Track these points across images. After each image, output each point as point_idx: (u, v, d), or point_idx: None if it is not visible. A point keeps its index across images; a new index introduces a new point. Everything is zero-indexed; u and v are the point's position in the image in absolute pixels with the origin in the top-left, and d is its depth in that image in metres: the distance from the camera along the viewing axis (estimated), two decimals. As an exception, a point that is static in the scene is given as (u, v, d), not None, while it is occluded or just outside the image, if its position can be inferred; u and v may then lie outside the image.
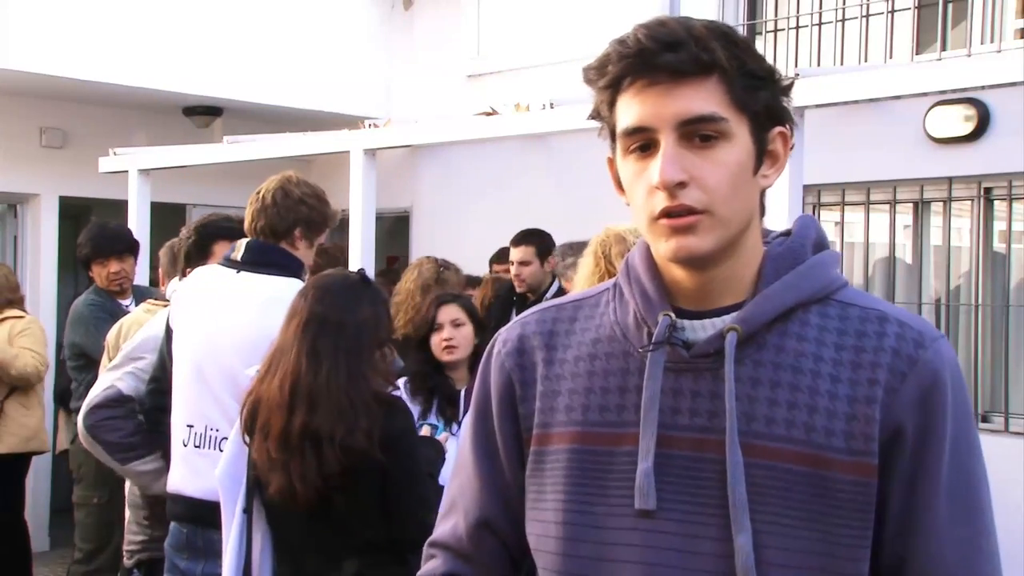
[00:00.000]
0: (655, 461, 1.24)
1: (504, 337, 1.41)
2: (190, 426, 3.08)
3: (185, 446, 3.09)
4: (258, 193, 3.22)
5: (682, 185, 1.19)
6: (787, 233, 1.35)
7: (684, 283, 1.28)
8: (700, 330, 1.27)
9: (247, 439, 2.66)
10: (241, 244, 3.15)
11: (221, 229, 3.65)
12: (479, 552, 1.42)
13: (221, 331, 3.04)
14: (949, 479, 1.24)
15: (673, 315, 1.27)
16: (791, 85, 1.30)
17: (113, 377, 3.47)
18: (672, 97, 1.20)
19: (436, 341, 3.63)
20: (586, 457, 1.29)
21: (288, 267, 3.10)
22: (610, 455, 1.28)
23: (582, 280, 3.21)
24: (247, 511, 2.66)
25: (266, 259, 3.10)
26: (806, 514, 1.21)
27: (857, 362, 1.24)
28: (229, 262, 3.14)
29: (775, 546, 1.21)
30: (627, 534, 1.26)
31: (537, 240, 5.40)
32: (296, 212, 3.17)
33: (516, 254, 5.38)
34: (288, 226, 3.16)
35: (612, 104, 1.25)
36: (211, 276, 3.19)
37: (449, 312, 3.65)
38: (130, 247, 5.17)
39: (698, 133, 1.20)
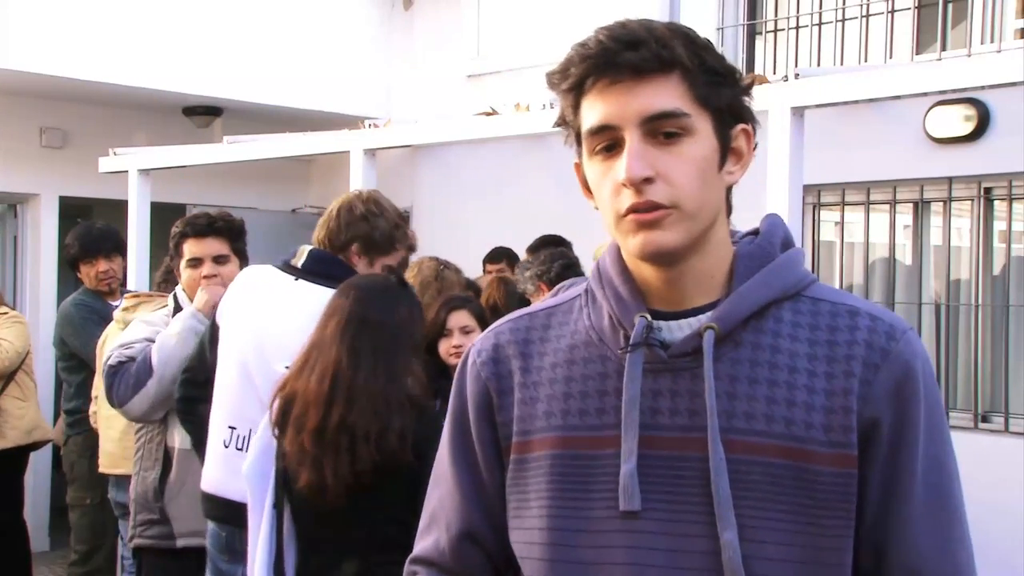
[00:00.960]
0: (638, 462, 1.25)
1: (478, 347, 1.41)
2: (232, 428, 3.06)
3: (226, 447, 3.07)
4: (334, 203, 3.22)
5: (648, 181, 1.21)
6: (755, 232, 1.36)
7: (655, 282, 1.29)
8: (676, 330, 1.28)
9: (276, 433, 2.66)
10: (304, 250, 3.12)
11: (187, 227, 3.63)
12: (463, 565, 1.41)
13: (270, 336, 3.00)
14: (924, 468, 1.26)
15: (649, 316, 1.28)
16: (751, 84, 1.33)
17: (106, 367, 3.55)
18: (635, 95, 1.21)
19: (445, 347, 3.64)
20: (568, 462, 1.29)
21: (344, 280, 3.02)
22: (593, 459, 1.28)
23: None
24: (277, 506, 2.66)
25: (323, 269, 3.06)
26: (790, 507, 1.22)
27: (831, 356, 1.26)
28: (288, 267, 3.11)
29: (761, 540, 1.22)
30: (614, 536, 1.26)
31: (553, 247, 5.41)
32: (355, 228, 3.13)
33: None
34: (345, 241, 3.13)
35: (576, 107, 1.27)
36: (266, 278, 3.14)
37: (459, 318, 3.64)
38: (117, 246, 5.18)
39: (662, 129, 1.22)
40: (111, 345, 3.70)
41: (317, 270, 3.05)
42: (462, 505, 1.40)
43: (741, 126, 1.29)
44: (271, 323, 3.01)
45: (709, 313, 1.27)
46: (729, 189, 1.31)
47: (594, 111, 1.24)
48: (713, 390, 1.23)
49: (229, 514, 3.02)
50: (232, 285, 3.26)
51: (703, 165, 1.23)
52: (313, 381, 2.61)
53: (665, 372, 1.27)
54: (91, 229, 5.19)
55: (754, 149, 1.31)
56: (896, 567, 1.26)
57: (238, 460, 2.98)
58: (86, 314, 4.87)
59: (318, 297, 2.88)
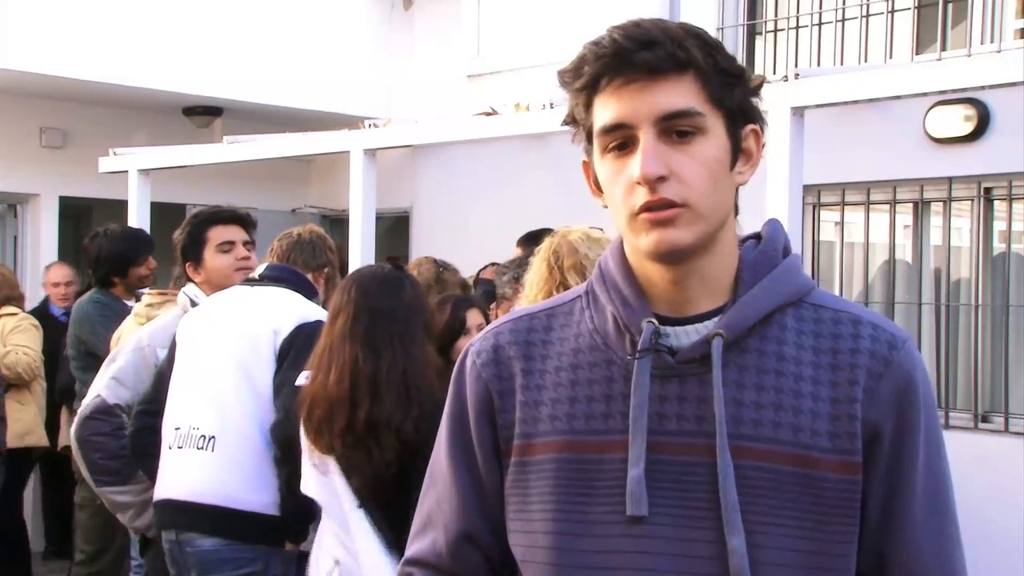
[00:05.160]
0: (645, 467, 1.25)
1: (478, 348, 1.40)
2: (177, 428, 3.11)
3: (170, 449, 3.11)
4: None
5: (662, 179, 1.21)
6: (756, 237, 1.37)
7: (661, 284, 1.29)
8: (683, 336, 1.28)
9: (312, 438, 2.64)
10: (261, 266, 3.32)
11: (208, 216, 3.67)
12: (461, 567, 1.39)
13: (225, 334, 3.12)
14: (924, 474, 1.28)
15: (656, 322, 1.28)
16: (760, 85, 1.32)
17: (100, 385, 3.50)
18: (650, 94, 1.21)
19: (462, 344, 3.64)
20: (573, 466, 1.29)
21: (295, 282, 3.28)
22: (598, 463, 1.28)
23: (534, 287, 2.85)
24: (362, 506, 2.63)
25: (279, 275, 3.29)
26: (796, 513, 1.23)
27: (835, 364, 1.27)
28: (247, 281, 3.30)
29: (768, 546, 1.22)
30: (620, 541, 1.25)
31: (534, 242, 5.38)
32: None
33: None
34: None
35: (589, 105, 1.26)
36: (222, 293, 3.31)
37: (476, 316, 3.66)
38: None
39: (675, 128, 1.22)
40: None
41: (271, 275, 3.27)
42: (460, 506, 1.38)
43: (751, 127, 1.29)
44: (226, 322, 3.14)
45: (716, 319, 1.28)
46: (736, 190, 1.31)
47: (607, 110, 1.23)
48: (722, 398, 1.23)
49: (175, 518, 3.06)
50: (193, 310, 3.37)
51: (715, 165, 1.24)
52: (332, 382, 2.57)
53: (672, 378, 1.27)
54: (132, 230, 5.28)
55: (762, 149, 1.32)
56: (898, 570, 1.27)
57: (178, 457, 3.06)
58: (105, 313, 4.84)
59: (274, 292, 3.18)
